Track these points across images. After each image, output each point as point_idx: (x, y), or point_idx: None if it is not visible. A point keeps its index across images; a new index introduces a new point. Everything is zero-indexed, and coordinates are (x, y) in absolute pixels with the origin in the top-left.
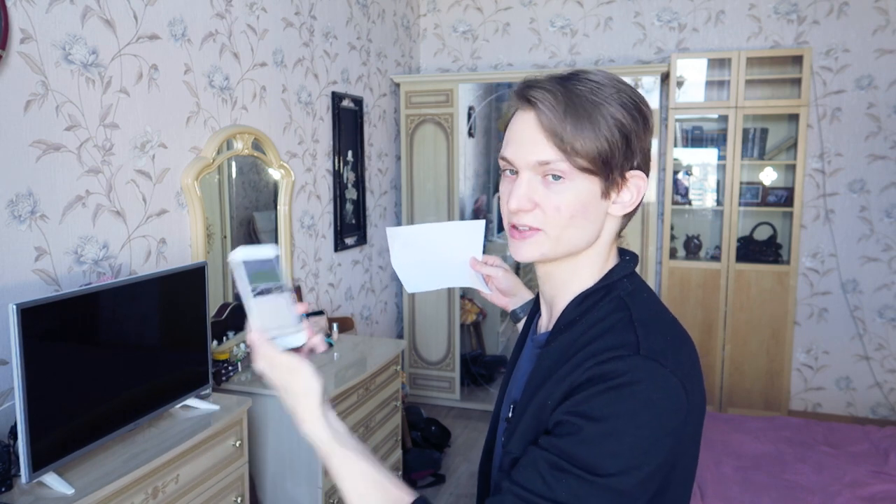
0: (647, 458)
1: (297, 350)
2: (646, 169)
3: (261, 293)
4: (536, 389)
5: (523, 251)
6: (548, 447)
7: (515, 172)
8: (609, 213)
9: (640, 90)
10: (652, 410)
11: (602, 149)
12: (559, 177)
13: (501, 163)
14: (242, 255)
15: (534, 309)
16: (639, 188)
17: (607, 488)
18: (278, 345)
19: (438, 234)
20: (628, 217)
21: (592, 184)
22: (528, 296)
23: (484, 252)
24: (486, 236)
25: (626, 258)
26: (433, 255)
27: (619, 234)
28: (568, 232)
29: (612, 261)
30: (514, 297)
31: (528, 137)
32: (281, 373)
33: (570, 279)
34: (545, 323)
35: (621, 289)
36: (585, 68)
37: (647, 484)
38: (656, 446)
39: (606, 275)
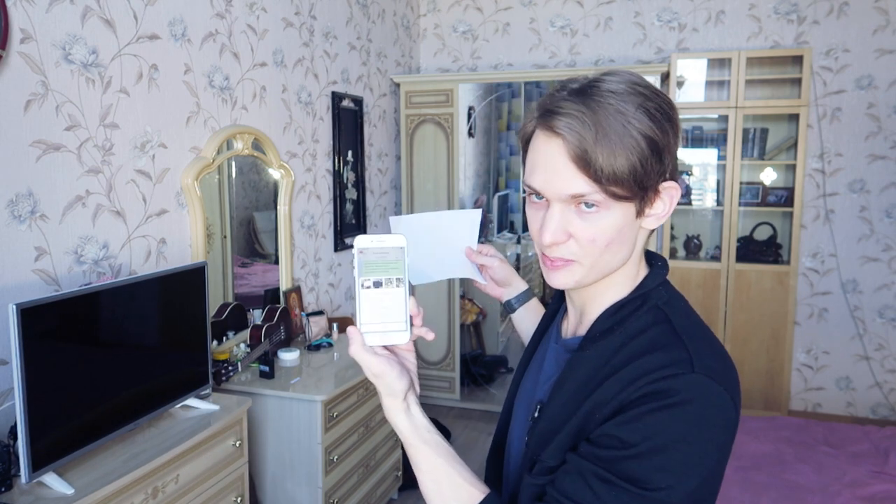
0: (696, 471)
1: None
2: (675, 175)
3: (373, 285)
4: (571, 396)
5: (557, 279)
6: (595, 460)
7: (541, 197)
8: (642, 226)
9: None
10: (704, 427)
11: (637, 172)
12: (593, 205)
13: (527, 188)
14: (363, 242)
15: (552, 307)
16: (671, 198)
17: (656, 502)
18: (379, 340)
19: (436, 223)
20: (655, 226)
21: (627, 208)
22: (522, 286)
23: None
24: (485, 234)
25: (658, 264)
26: (432, 245)
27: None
28: (604, 258)
29: (644, 268)
30: (508, 287)
31: (557, 168)
32: (368, 371)
33: (604, 291)
34: (572, 327)
35: (657, 298)
36: (603, 75)
37: (693, 496)
38: (705, 460)
39: (641, 284)
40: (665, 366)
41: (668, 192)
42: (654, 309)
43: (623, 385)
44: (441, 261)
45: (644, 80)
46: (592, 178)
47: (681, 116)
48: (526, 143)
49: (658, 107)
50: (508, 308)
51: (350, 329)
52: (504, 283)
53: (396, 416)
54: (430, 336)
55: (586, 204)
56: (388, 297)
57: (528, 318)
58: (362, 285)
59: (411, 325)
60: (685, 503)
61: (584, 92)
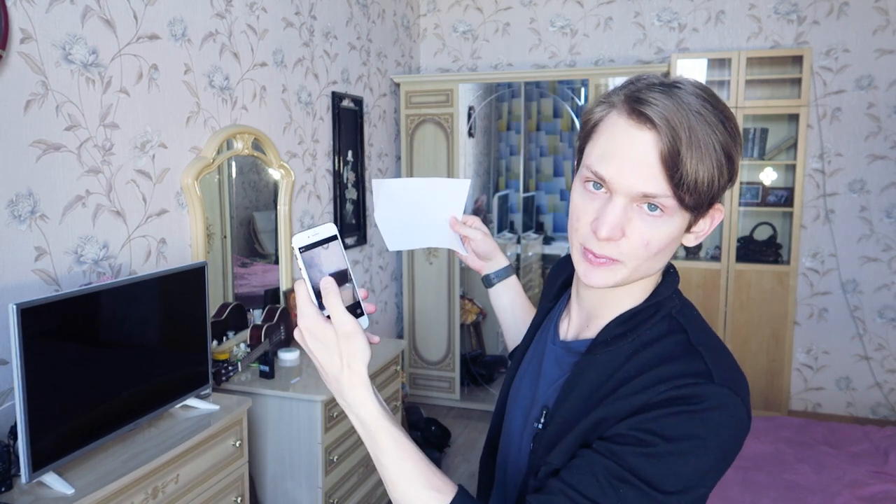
0: (706, 479)
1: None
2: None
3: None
4: (581, 401)
5: (597, 278)
6: (607, 455)
7: (601, 187)
8: (682, 241)
9: None
10: (720, 436)
11: (713, 184)
12: (656, 207)
13: (587, 173)
14: (301, 240)
15: (545, 306)
16: (714, 219)
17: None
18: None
19: (424, 190)
20: None
21: (685, 219)
22: (503, 262)
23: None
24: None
25: (671, 272)
26: (416, 212)
27: None
28: (647, 264)
29: (659, 276)
30: (489, 261)
31: (641, 162)
32: (329, 336)
33: (621, 297)
34: (575, 328)
35: (671, 306)
36: (674, 80)
37: (698, 502)
38: (716, 469)
39: (655, 292)
40: (686, 374)
41: (714, 213)
42: (668, 318)
43: (638, 390)
44: (425, 229)
45: (708, 89)
46: (672, 182)
47: None
48: (594, 125)
49: (734, 124)
50: (486, 282)
51: (326, 279)
52: (485, 256)
53: (364, 390)
54: (374, 339)
55: (651, 206)
56: (338, 271)
57: (505, 295)
58: (307, 277)
59: (362, 311)
60: None
61: (671, 92)
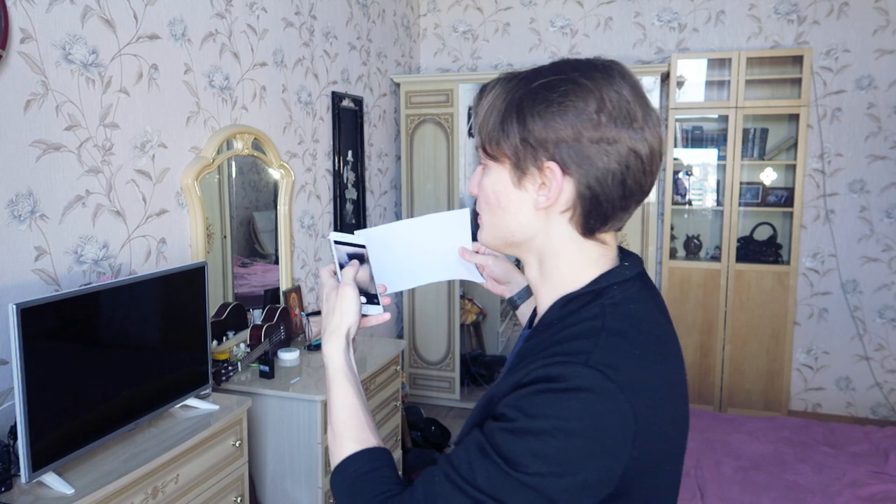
0: (575, 468)
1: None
2: (575, 159)
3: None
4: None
5: (479, 237)
6: (483, 431)
7: None
8: (539, 207)
9: None
10: (587, 423)
11: (497, 132)
12: (482, 163)
13: None
14: (336, 236)
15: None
16: (549, 180)
17: (522, 484)
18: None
19: (419, 228)
20: (590, 216)
21: (504, 171)
22: (523, 282)
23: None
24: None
25: (625, 264)
26: (416, 252)
27: (590, 236)
28: (497, 220)
29: (606, 265)
30: (509, 283)
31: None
32: (343, 300)
33: (544, 281)
34: (537, 319)
35: (609, 296)
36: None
37: (578, 496)
38: (588, 461)
39: (596, 279)
40: (565, 353)
41: (545, 172)
42: (599, 307)
43: (522, 368)
44: (431, 265)
45: (559, 64)
46: (476, 132)
47: (681, 116)
48: None
49: (549, 86)
50: (512, 305)
51: (352, 264)
52: (503, 279)
53: (338, 343)
54: (385, 317)
55: (481, 161)
56: (364, 275)
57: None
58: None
59: (378, 302)
60: (564, 498)
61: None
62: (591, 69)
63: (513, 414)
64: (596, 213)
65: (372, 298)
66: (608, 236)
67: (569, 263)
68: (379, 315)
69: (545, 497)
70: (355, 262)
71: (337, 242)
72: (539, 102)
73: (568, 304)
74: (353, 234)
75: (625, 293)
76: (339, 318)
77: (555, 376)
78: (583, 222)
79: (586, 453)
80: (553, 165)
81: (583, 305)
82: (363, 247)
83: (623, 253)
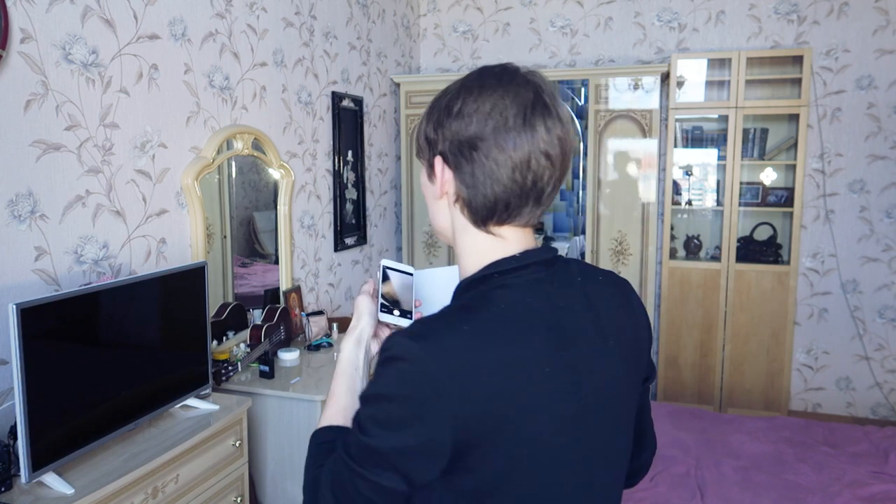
0: (397, 433)
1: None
2: (453, 155)
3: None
4: None
5: None
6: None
7: None
8: (434, 198)
9: (640, 90)
10: (400, 389)
11: (416, 140)
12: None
13: None
14: (387, 262)
15: None
16: (438, 173)
17: (360, 444)
18: (387, 318)
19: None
20: (472, 208)
21: (422, 170)
22: None
23: None
24: None
25: (516, 255)
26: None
27: (483, 227)
28: (431, 210)
29: (499, 254)
30: None
31: None
32: (358, 308)
33: (459, 266)
34: None
35: (491, 284)
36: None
37: (412, 460)
38: (406, 426)
39: (484, 268)
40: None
41: (436, 166)
42: (477, 292)
43: None
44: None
45: (477, 75)
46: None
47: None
48: None
49: (452, 96)
50: None
51: (370, 285)
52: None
53: (347, 343)
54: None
55: None
56: (404, 289)
57: None
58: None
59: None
60: (397, 458)
61: None
62: (487, 76)
63: (367, 385)
64: (480, 207)
65: (405, 313)
66: (508, 230)
67: (468, 253)
68: (398, 321)
69: (385, 460)
70: (379, 277)
71: (387, 268)
72: (436, 108)
73: (464, 291)
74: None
75: (505, 280)
76: (355, 320)
77: (384, 347)
78: (470, 215)
79: (403, 418)
80: (438, 159)
81: (468, 289)
82: (410, 273)
83: (546, 248)
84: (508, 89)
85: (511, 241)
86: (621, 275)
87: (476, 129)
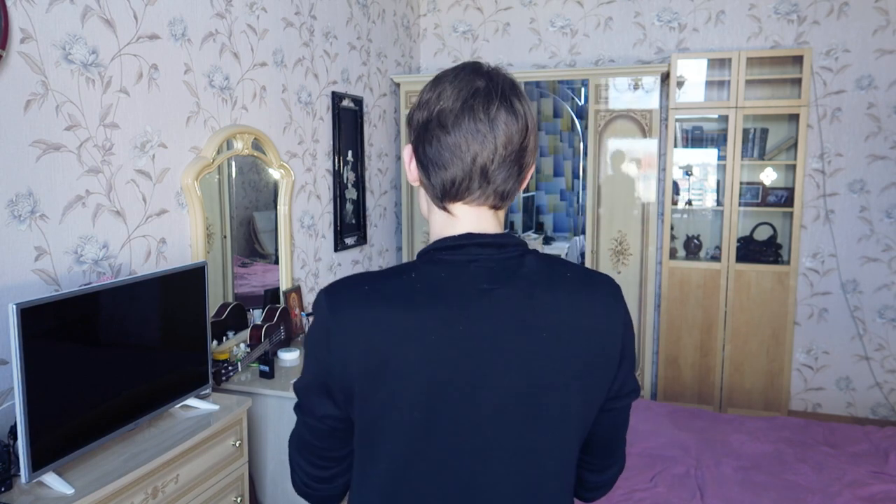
0: (307, 366)
1: None
2: (415, 142)
3: None
4: None
5: None
6: None
7: None
8: (416, 185)
9: (640, 90)
10: (310, 333)
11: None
12: None
13: None
14: None
15: None
16: (405, 160)
17: (296, 388)
18: None
19: None
20: (429, 188)
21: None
22: None
23: None
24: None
25: (456, 235)
26: None
27: (441, 206)
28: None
29: (447, 232)
30: None
31: None
32: None
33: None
34: None
35: (426, 258)
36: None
37: (312, 390)
38: (308, 365)
39: (431, 244)
40: None
41: (405, 154)
42: (408, 262)
43: None
44: None
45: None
46: None
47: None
48: None
49: (427, 94)
50: None
51: None
52: None
53: None
54: None
55: None
56: None
57: None
58: None
59: None
60: (303, 394)
61: None
62: (452, 70)
63: None
64: (433, 185)
65: None
66: (462, 209)
67: (432, 231)
68: None
69: (298, 392)
70: None
71: None
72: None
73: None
74: None
75: (439, 256)
76: None
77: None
78: (430, 195)
79: (309, 360)
80: (408, 147)
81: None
82: None
83: (501, 234)
84: (461, 78)
85: (462, 220)
86: (621, 275)
87: (426, 114)
